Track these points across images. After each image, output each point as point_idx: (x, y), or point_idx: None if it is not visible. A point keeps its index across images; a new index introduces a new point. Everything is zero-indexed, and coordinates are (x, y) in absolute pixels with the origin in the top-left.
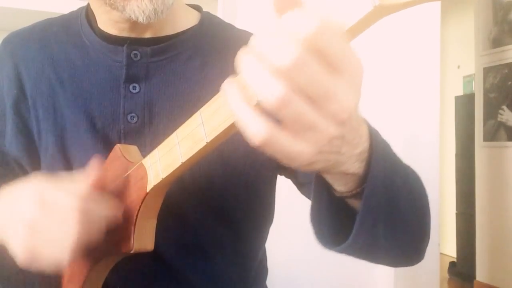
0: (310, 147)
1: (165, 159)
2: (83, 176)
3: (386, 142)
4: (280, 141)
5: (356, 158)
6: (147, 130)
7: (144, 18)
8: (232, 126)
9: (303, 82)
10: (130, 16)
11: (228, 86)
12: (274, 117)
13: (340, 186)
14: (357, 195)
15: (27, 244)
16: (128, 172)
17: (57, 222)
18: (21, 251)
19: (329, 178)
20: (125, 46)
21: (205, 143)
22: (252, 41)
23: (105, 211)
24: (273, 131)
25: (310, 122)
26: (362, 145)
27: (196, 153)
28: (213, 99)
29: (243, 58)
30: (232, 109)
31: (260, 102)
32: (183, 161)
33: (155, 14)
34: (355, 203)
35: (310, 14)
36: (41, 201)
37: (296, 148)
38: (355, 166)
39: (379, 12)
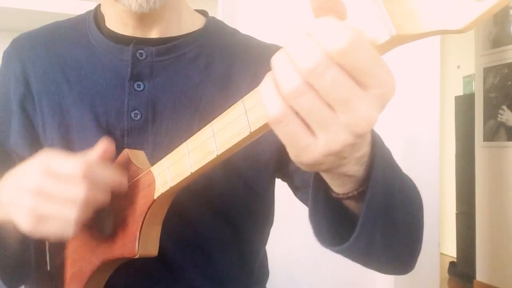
0: (320, 145)
1: (174, 168)
2: (88, 153)
3: (387, 148)
4: (291, 124)
5: (355, 161)
6: (150, 128)
7: (137, 7)
8: (243, 139)
9: (322, 86)
10: (124, 5)
11: (268, 75)
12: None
13: (338, 187)
14: (353, 197)
15: (32, 210)
16: (136, 178)
17: (63, 187)
18: (26, 218)
19: (327, 178)
20: (131, 45)
21: (216, 156)
22: (288, 36)
23: (111, 177)
24: (287, 111)
25: (323, 122)
26: (364, 149)
27: (205, 164)
28: (225, 112)
29: (277, 53)
30: (261, 88)
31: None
32: (193, 171)
33: (147, 3)
34: (353, 206)
35: (344, 28)
36: (46, 169)
37: (306, 140)
38: (354, 168)
39: (395, 42)
